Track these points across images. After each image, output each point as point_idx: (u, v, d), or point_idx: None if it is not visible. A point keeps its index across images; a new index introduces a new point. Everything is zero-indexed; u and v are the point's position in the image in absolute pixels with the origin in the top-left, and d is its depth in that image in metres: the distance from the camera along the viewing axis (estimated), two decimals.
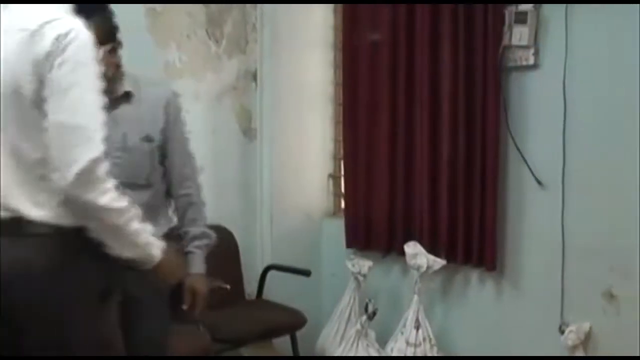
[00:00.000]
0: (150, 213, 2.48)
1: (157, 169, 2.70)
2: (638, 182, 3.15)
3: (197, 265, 2.70)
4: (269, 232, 4.40)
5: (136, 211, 2.07)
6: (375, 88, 4.09)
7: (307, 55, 4.54)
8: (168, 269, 2.24)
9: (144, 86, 2.71)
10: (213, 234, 2.76)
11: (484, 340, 3.76)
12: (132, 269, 2.15)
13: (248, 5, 4.37)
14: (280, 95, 4.44)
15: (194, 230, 2.74)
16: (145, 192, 2.66)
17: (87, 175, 1.91)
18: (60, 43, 1.96)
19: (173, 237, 2.66)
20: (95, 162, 1.92)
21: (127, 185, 2.40)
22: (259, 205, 4.44)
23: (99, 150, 1.93)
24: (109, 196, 1.96)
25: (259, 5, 4.36)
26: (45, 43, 1.96)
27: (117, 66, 2.62)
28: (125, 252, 2.08)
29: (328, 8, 4.58)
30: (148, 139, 2.66)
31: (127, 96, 2.65)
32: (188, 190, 2.76)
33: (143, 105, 2.67)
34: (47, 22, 2.01)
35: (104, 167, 1.94)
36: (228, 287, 3.42)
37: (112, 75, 2.56)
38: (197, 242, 2.73)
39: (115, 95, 2.59)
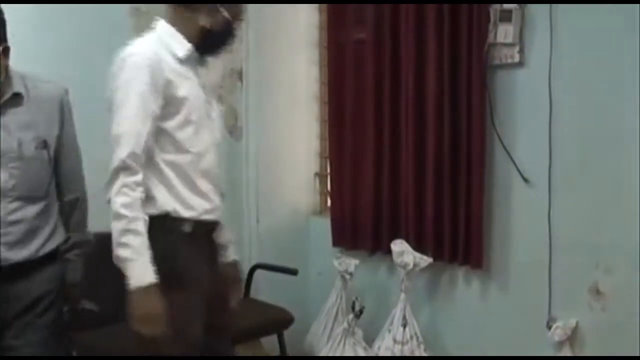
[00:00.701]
0: (46, 224, 2.57)
1: (53, 177, 2.59)
2: (624, 178, 3.17)
3: (74, 274, 2.70)
4: (256, 231, 4.40)
5: (134, 226, 2.22)
6: (360, 86, 4.09)
7: (292, 54, 4.54)
8: (136, 310, 2.23)
9: (33, 85, 2.51)
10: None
11: (471, 337, 3.77)
12: None
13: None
14: (266, 94, 4.44)
15: (77, 236, 2.70)
16: (41, 203, 2.54)
17: (113, 175, 2.23)
18: (116, 68, 2.33)
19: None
20: (122, 162, 2.23)
21: (26, 198, 2.50)
22: (245, 204, 4.43)
23: (127, 151, 2.23)
24: (122, 199, 2.22)
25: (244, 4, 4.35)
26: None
27: (6, 67, 2.46)
28: (115, 260, 2.25)
29: (313, 7, 4.58)
30: (45, 145, 2.50)
31: (16, 98, 2.46)
32: (76, 193, 2.69)
33: (35, 107, 2.48)
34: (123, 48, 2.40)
35: (130, 173, 2.23)
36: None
37: (3, 78, 2.43)
38: (77, 251, 2.70)
39: (3, 98, 2.43)
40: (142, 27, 3.75)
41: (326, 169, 4.58)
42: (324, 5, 4.42)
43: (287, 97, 4.54)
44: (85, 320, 3.28)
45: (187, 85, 2.39)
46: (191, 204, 2.39)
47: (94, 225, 3.64)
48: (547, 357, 3.42)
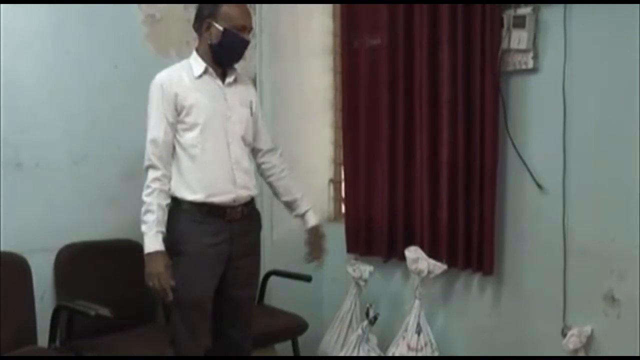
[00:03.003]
0: None
1: None
2: (638, 184, 3.15)
3: None
4: (270, 238, 4.40)
5: (150, 208, 2.99)
6: (374, 92, 4.09)
7: (306, 60, 4.55)
8: (146, 269, 2.96)
9: None
10: None
11: (485, 345, 3.75)
12: None
13: None
14: (280, 101, 4.44)
15: None
16: None
17: (145, 171, 3.06)
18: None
19: None
20: (148, 161, 3.03)
21: None
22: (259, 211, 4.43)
23: (150, 152, 3.03)
24: (146, 191, 3.02)
25: (257, 11, 4.36)
26: None
27: None
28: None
29: (327, 13, 4.59)
30: None
31: None
32: None
33: None
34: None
35: (153, 170, 3.03)
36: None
37: None
38: None
39: None
40: (156, 34, 3.81)
41: (340, 176, 4.57)
42: (338, 12, 4.42)
43: (302, 104, 4.54)
44: (100, 326, 3.31)
45: (195, 96, 3.05)
46: (196, 189, 3.04)
47: (112, 232, 3.70)
48: (562, 356, 3.40)
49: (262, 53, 4.40)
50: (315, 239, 3.46)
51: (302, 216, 3.44)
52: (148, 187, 2.99)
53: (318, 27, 4.59)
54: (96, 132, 3.71)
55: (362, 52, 4.16)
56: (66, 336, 3.43)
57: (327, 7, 4.60)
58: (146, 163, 3.02)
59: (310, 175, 4.59)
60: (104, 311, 3.10)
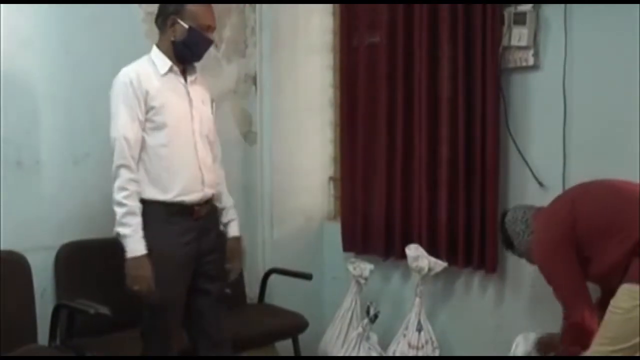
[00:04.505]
0: None
1: None
2: (638, 181, 3.14)
3: None
4: (270, 236, 4.40)
5: (132, 210, 2.91)
6: (373, 90, 4.08)
7: (306, 58, 4.54)
8: (130, 273, 2.93)
9: None
10: None
11: (486, 342, 3.75)
12: None
13: (247, 9, 4.38)
14: (280, 98, 4.44)
15: None
16: None
17: (115, 171, 2.92)
18: (111, 87, 3.02)
19: None
20: (121, 161, 2.91)
21: None
22: (259, 209, 4.44)
23: (123, 152, 2.90)
24: (123, 193, 2.90)
25: (257, 9, 4.36)
26: None
27: None
28: (117, 236, 2.96)
29: (327, 12, 4.58)
30: None
31: None
32: None
33: None
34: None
35: (128, 171, 2.91)
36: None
37: None
38: None
39: None
40: (156, 32, 3.80)
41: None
42: (338, 10, 4.42)
43: (302, 102, 4.54)
44: (101, 324, 3.30)
45: (165, 95, 3.00)
46: (163, 189, 2.99)
47: (112, 231, 3.69)
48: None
49: (262, 51, 4.40)
50: (232, 250, 3.36)
51: (225, 225, 3.36)
52: (125, 189, 2.91)
53: (318, 25, 4.59)
54: (96, 131, 3.69)
55: (361, 50, 4.16)
56: (66, 334, 3.42)
57: (327, 5, 4.59)
58: (119, 162, 2.92)
59: (310, 173, 4.59)
60: (104, 309, 3.10)
